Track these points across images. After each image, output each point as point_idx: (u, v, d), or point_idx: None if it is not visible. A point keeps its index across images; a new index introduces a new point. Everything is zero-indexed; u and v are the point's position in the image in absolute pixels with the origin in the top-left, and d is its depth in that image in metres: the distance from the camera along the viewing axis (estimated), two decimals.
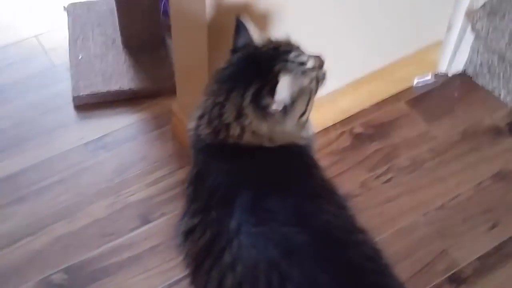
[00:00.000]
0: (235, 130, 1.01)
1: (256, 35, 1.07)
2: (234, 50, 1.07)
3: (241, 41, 1.06)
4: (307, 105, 1.05)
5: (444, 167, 1.61)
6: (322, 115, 1.60)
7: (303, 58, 1.05)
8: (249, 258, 0.89)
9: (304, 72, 1.04)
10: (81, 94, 1.69)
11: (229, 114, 1.01)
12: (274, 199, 0.94)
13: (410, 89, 1.79)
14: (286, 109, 1.01)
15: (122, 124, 1.68)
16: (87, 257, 1.40)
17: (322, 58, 1.09)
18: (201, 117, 1.05)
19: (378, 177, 1.58)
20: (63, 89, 1.75)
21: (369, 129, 1.69)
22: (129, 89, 1.71)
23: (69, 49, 1.82)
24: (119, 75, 1.74)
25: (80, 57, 1.78)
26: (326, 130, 1.68)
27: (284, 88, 0.97)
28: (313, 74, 1.05)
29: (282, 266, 0.87)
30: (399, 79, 1.77)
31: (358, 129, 1.69)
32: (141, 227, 1.45)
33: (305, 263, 0.88)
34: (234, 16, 1.09)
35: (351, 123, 1.70)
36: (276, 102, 0.98)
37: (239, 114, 1.00)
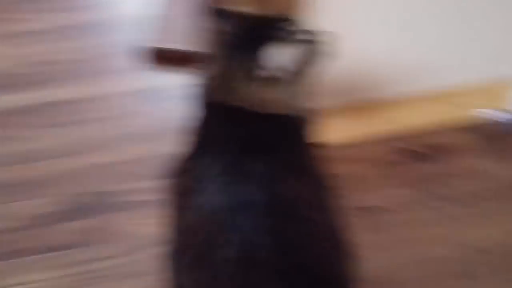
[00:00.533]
0: (237, 93, 1.04)
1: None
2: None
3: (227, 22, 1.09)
4: (298, 74, 1.06)
5: (497, 210, 1.50)
6: (381, 125, 1.63)
7: (295, 29, 1.06)
8: (213, 202, 0.96)
9: (293, 42, 1.04)
10: (156, 46, 1.77)
11: (233, 76, 1.04)
12: (252, 160, 0.99)
13: (481, 120, 1.70)
14: (275, 77, 1.03)
15: (180, 82, 1.74)
16: (114, 189, 1.49)
17: (319, 32, 1.09)
18: (210, 75, 1.09)
19: (422, 200, 1.52)
20: (140, 38, 1.83)
21: (426, 150, 1.64)
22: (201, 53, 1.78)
23: (148, 4, 1.89)
24: (198, 38, 1.81)
25: (159, 13, 1.87)
26: (381, 140, 1.65)
27: (269, 55, 1.01)
28: (307, 45, 1.06)
29: (234, 215, 0.93)
30: (473, 106, 1.70)
31: (415, 147, 1.65)
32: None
33: (251, 220, 0.93)
34: None
35: (410, 139, 1.66)
36: (261, 68, 1.01)
37: (245, 78, 1.04)
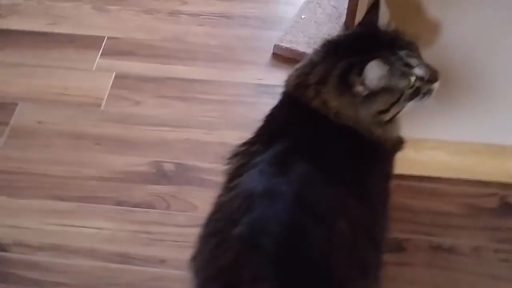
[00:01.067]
0: (310, 92, 1.03)
1: (384, 20, 1.08)
2: (360, 25, 1.10)
3: (369, 20, 1.08)
4: (391, 106, 1.02)
5: None
6: (487, 167, 1.51)
7: (412, 61, 1.02)
8: (246, 185, 0.97)
9: (404, 73, 1.01)
10: (282, 45, 1.81)
11: (314, 76, 1.03)
12: (299, 160, 0.98)
13: None
14: (367, 97, 1.00)
15: None
16: (198, 165, 1.54)
17: (438, 75, 1.05)
18: (297, 69, 1.09)
19: (497, 251, 1.42)
20: (274, 36, 1.86)
21: None
22: None
23: (300, 7, 1.94)
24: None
25: (303, 16, 1.90)
26: (481, 183, 1.53)
27: (371, 73, 0.97)
28: (416, 82, 1.02)
29: (258, 200, 0.93)
30: None
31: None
32: None
33: (271, 209, 0.92)
34: None
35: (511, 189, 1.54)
36: (360, 84, 0.98)
37: (323, 80, 1.02)
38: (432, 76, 1.05)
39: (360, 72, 0.97)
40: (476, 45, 1.27)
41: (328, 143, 1.02)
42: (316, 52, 1.07)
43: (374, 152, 1.07)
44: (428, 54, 1.08)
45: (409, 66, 1.02)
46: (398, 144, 1.14)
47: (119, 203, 1.47)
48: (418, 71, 1.03)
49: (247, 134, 1.58)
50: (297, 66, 1.10)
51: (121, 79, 1.74)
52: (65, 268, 1.36)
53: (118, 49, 1.81)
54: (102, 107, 1.67)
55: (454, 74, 1.33)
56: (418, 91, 1.04)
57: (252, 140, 1.08)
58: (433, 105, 1.41)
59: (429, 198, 1.51)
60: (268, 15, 1.95)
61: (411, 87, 1.02)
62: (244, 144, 1.08)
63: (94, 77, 1.74)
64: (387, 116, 1.03)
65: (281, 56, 1.82)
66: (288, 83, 1.09)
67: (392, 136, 1.09)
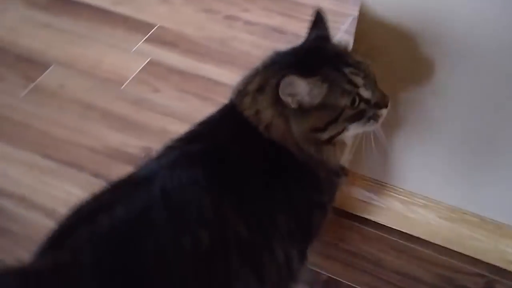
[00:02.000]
0: (247, 100, 0.99)
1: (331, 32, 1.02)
2: (308, 39, 1.03)
3: (314, 33, 1.02)
4: (328, 125, 0.95)
5: None
6: (478, 243, 1.36)
7: (357, 80, 0.95)
8: (138, 175, 0.95)
9: (345, 91, 0.94)
10: None
11: (254, 84, 0.99)
12: (198, 162, 0.93)
13: None
14: (300, 111, 0.94)
15: None
16: None
17: (387, 100, 0.98)
18: (244, 76, 1.04)
19: None
20: None
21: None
22: None
23: None
24: None
25: None
26: (469, 259, 1.38)
27: (285, 88, 0.92)
28: (360, 104, 0.96)
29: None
30: None
31: (500, 286, 1.35)
32: None
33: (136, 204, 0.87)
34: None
35: (500, 275, 1.36)
36: (285, 94, 0.93)
37: (261, 88, 0.98)
38: (381, 101, 0.98)
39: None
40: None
41: (244, 154, 0.97)
42: (263, 61, 1.03)
43: (299, 174, 1.00)
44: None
45: (354, 85, 0.95)
46: (336, 173, 1.06)
47: (96, 176, 1.50)
48: (364, 92, 0.96)
49: None
50: (246, 73, 1.07)
51: (152, 66, 1.78)
52: (21, 219, 1.42)
53: (162, 39, 1.87)
54: (122, 87, 1.72)
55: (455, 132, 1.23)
56: (362, 114, 0.97)
57: (178, 137, 1.04)
58: (428, 159, 1.30)
59: (405, 258, 1.39)
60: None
61: (354, 108, 0.96)
62: (172, 140, 1.05)
63: (129, 58, 1.80)
64: (324, 136, 0.97)
65: None
66: (233, 90, 1.06)
67: (329, 161, 1.01)
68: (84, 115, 1.65)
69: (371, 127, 0.99)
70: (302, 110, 0.94)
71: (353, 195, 1.43)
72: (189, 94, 1.71)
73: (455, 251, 1.39)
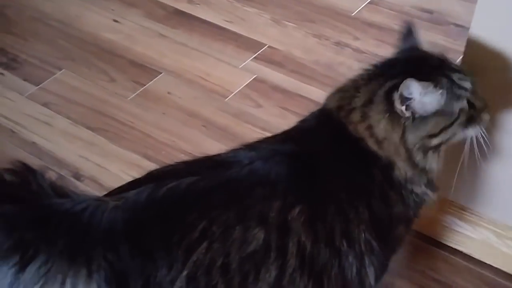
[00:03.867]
0: (355, 116, 0.98)
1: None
2: (400, 50, 1.04)
3: (406, 44, 1.03)
4: (442, 131, 0.95)
5: None
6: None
7: (466, 85, 0.95)
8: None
9: (458, 97, 0.94)
10: None
11: (360, 98, 0.98)
12: (284, 162, 0.94)
13: None
14: (414, 120, 0.94)
15: None
16: None
17: (487, 104, 0.99)
18: (339, 89, 1.05)
19: None
20: None
21: None
22: None
23: None
24: None
25: None
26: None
27: (405, 91, 0.91)
28: (470, 108, 0.96)
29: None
30: None
31: None
32: None
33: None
34: None
35: None
36: (401, 103, 0.92)
37: (369, 101, 0.97)
38: (483, 105, 0.99)
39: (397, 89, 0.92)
40: None
41: (334, 166, 0.96)
42: (361, 75, 1.03)
43: (388, 192, 0.98)
44: None
45: (464, 89, 0.96)
46: (432, 184, 1.02)
47: None
48: (471, 97, 0.97)
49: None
50: (339, 87, 1.06)
51: (257, 82, 1.81)
52: None
53: (271, 58, 1.89)
54: (226, 99, 1.75)
55: None
56: (473, 118, 0.97)
57: (271, 136, 1.06)
58: None
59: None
60: None
61: (467, 112, 0.96)
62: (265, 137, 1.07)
63: (236, 73, 1.83)
64: (434, 141, 0.96)
65: None
66: (328, 103, 1.06)
67: (431, 169, 0.99)
68: (186, 122, 1.69)
69: (475, 131, 0.99)
70: (418, 118, 0.94)
71: (442, 222, 1.36)
72: (289, 112, 1.71)
73: None
